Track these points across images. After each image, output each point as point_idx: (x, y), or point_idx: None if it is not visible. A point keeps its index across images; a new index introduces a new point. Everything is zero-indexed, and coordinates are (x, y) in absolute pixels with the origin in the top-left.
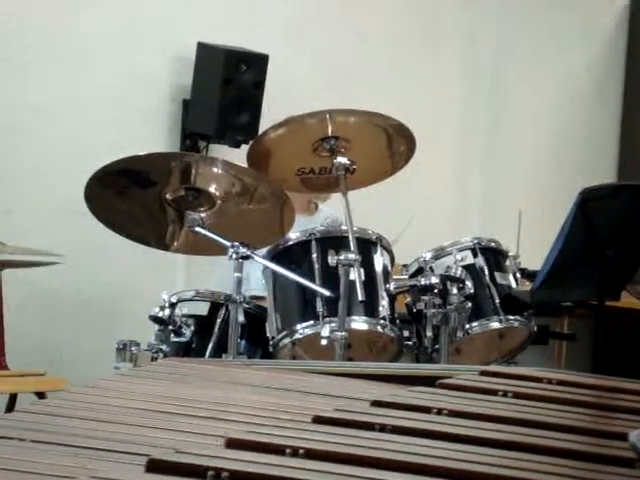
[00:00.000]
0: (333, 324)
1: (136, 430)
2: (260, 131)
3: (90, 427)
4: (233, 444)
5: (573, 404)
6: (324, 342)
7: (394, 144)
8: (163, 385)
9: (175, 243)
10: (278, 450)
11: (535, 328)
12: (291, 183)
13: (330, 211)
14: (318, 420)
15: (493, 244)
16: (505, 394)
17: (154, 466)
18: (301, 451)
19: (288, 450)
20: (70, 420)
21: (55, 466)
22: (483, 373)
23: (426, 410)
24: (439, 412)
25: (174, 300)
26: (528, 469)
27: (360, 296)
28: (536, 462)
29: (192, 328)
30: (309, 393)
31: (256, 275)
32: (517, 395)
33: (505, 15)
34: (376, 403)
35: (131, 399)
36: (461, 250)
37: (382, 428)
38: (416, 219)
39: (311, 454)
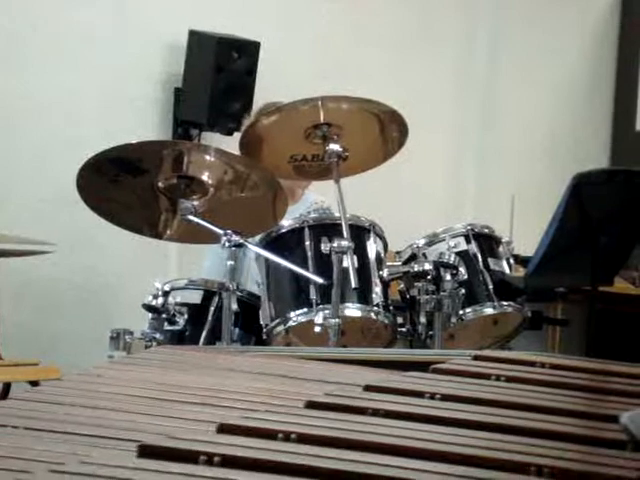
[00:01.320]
0: (327, 311)
1: (129, 417)
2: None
3: (83, 414)
4: (225, 429)
5: (565, 387)
6: (318, 329)
7: (387, 130)
8: (156, 372)
9: (168, 231)
10: (270, 435)
11: (529, 314)
12: (284, 170)
13: (318, 198)
14: (310, 405)
15: (486, 230)
16: (498, 378)
17: (146, 451)
18: (293, 436)
19: (280, 435)
20: (63, 407)
21: (47, 452)
22: (476, 358)
23: (419, 395)
24: (432, 396)
25: (167, 288)
26: (521, 452)
27: (353, 283)
28: (529, 445)
29: (185, 316)
30: (302, 379)
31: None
32: (510, 379)
33: (501, 3)
34: (369, 388)
35: (124, 386)
36: (454, 236)
37: (375, 412)
38: (409, 207)
39: (303, 439)
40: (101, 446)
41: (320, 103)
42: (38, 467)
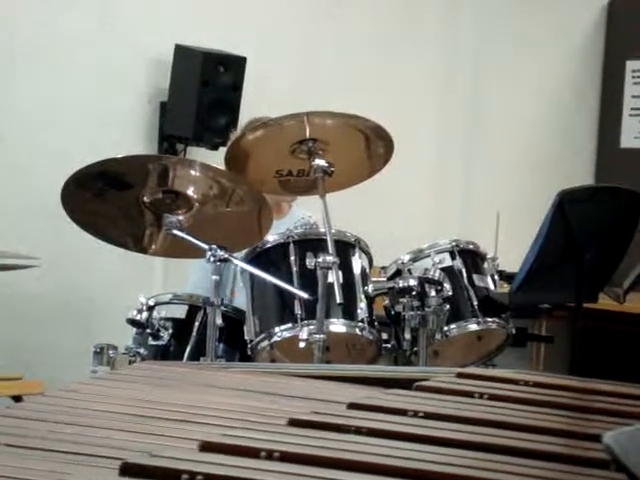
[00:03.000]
0: (311, 327)
1: (111, 434)
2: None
3: (65, 431)
4: (207, 447)
5: (549, 406)
6: (302, 345)
7: (372, 146)
8: (139, 389)
9: (153, 246)
10: (253, 453)
11: (513, 330)
12: (269, 185)
13: (305, 214)
14: (294, 423)
15: (471, 246)
16: (481, 396)
17: (128, 470)
18: (276, 454)
19: (263, 453)
20: (45, 424)
21: (27, 470)
22: (460, 375)
23: (402, 412)
24: (415, 414)
25: (152, 303)
26: (504, 471)
27: (338, 299)
28: (512, 464)
29: (170, 331)
30: (285, 396)
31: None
32: (493, 397)
33: (484, 14)
34: (352, 406)
35: (107, 402)
36: (439, 252)
37: (358, 430)
38: (394, 222)
39: (286, 457)
40: (82, 464)
41: (306, 119)
42: None
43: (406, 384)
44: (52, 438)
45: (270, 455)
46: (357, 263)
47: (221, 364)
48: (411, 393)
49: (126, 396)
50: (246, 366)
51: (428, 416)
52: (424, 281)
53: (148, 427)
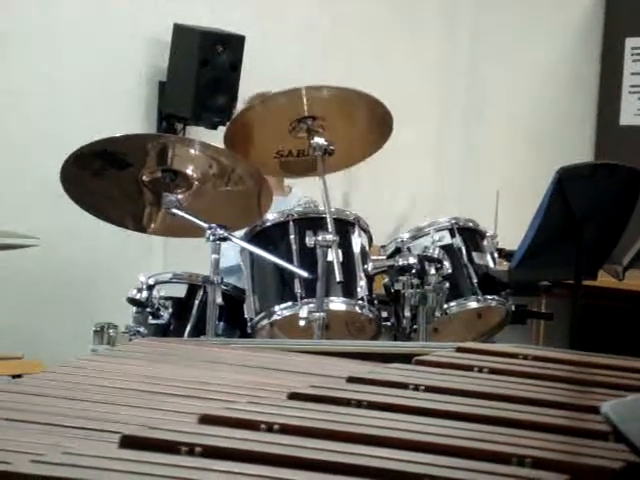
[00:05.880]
0: (311, 305)
1: (111, 408)
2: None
3: (65, 405)
4: (207, 420)
5: (548, 379)
6: (302, 323)
7: (372, 124)
8: (139, 364)
9: (152, 225)
10: (253, 426)
11: (513, 308)
12: (270, 167)
13: (304, 194)
14: (294, 396)
15: (471, 224)
16: (481, 370)
17: (127, 442)
18: (276, 427)
19: (263, 426)
20: (45, 399)
21: (28, 443)
22: (459, 350)
23: (403, 386)
24: (416, 388)
25: (151, 282)
26: (503, 442)
27: (338, 277)
28: (511, 435)
29: (170, 310)
30: (285, 371)
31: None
32: (493, 371)
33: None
34: (352, 379)
35: (106, 378)
36: (439, 230)
37: (358, 404)
38: (394, 201)
39: (286, 429)
40: (83, 437)
41: (304, 92)
42: (19, 458)
43: (406, 359)
44: (52, 412)
45: (270, 428)
46: (357, 241)
47: (221, 340)
48: (411, 367)
49: (126, 371)
50: (245, 342)
51: (429, 389)
52: (424, 259)
53: (148, 402)
